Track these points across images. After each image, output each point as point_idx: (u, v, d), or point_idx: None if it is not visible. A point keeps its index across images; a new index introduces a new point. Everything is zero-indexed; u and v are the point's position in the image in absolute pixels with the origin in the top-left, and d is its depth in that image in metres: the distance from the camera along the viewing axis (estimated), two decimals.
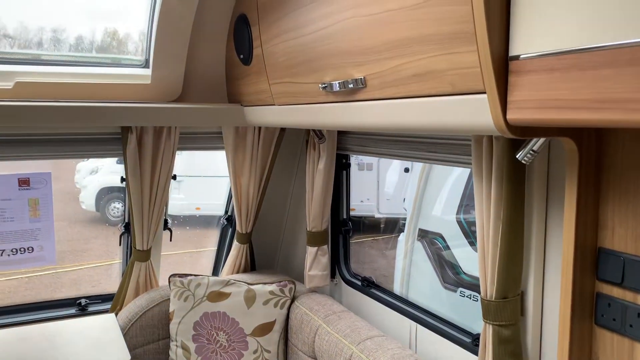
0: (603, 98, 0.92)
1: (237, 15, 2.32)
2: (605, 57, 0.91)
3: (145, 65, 2.43)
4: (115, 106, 2.20)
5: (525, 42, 1.07)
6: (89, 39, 2.57)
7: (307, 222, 2.59)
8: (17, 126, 2.15)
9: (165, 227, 2.72)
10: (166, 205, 2.64)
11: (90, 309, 2.66)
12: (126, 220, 2.65)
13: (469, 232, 3.26)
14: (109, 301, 2.64)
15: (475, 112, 1.18)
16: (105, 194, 7.48)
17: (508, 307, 1.56)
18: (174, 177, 2.60)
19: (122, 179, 2.52)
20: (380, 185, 6.51)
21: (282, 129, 2.71)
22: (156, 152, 2.44)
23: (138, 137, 2.38)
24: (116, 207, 7.45)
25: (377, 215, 6.53)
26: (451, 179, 3.52)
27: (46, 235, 2.55)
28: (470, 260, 3.15)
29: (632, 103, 0.87)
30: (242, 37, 2.29)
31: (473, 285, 3.02)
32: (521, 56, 1.08)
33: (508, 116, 1.12)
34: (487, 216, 1.58)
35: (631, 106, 0.87)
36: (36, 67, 2.24)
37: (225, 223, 2.99)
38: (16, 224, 2.48)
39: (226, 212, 3.01)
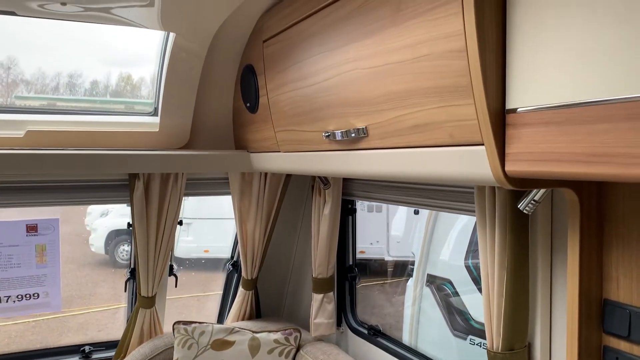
0: (598, 152, 0.92)
1: (245, 65, 2.38)
2: (600, 112, 0.92)
3: (154, 113, 2.49)
4: (123, 154, 2.24)
5: (522, 96, 1.09)
6: (103, 84, 2.65)
7: (312, 268, 2.57)
8: (27, 174, 2.19)
9: (171, 273, 2.71)
10: (172, 251, 2.64)
11: (94, 356, 2.63)
12: (132, 266, 2.65)
13: (477, 278, 3.21)
14: (113, 348, 2.61)
15: (474, 164, 1.19)
16: (115, 237, 7.49)
17: (515, 359, 1.53)
18: (180, 223, 2.61)
19: (129, 225, 2.54)
20: (390, 228, 6.47)
21: (288, 175, 2.73)
22: (163, 199, 2.46)
23: (145, 183, 2.41)
24: (125, 250, 7.45)
25: (387, 258, 6.47)
26: (459, 224, 3.50)
27: (52, 282, 2.55)
28: (479, 307, 3.09)
29: (626, 158, 0.87)
30: (249, 86, 2.34)
31: (483, 332, 2.96)
32: (518, 109, 1.10)
33: (506, 168, 1.13)
34: (491, 265, 1.57)
35: (626, 161, 0.87)
36: (47, 116, 2.29)
37: (231, 269, 2.98)
38: (23, 270, 2.49)
39: (232, 257, 3.00)
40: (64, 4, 1.82)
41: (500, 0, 1.11)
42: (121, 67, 2.64)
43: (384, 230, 6.50)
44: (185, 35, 2.12)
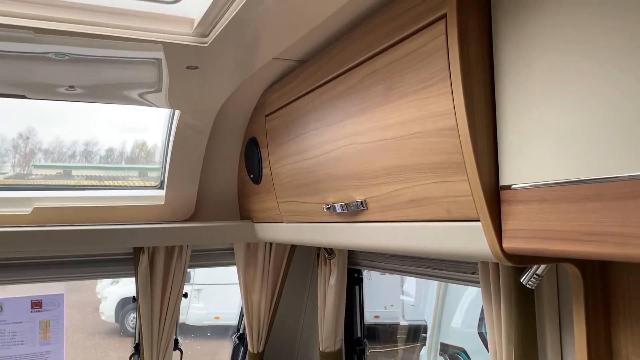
0: (592, 231, 0.91)
1: (248, 138, 2.43)
2: (590, 190, 0.91)
3: (160, 186, 2.52)
4: (128, 228, 2.26)
5: (515, 173, 1.09)
6: (119, 151, 2.70)
7: (319, 341, 2.51)
8: (34, 250, 2.20)
9: (176, 347, 2.65)
10: (177, 325, 2.60)
11: None
12: (136, 341, 2.60)
13: None
14: None
15: (472, 240, 1.17)
16: (125, 305, 7.42)
17: None
18: (185, 295, 2.58)
19: (134, 299, 2.51)
20: (404, 291, 6.33)
21: (293, 245, 2.72)
22: (167, 271, 2.45)
23: (150, 256, 2.41)
24: (135, 318, 7.35)
25: (402, 323, 6.30)
26: (472, 289, 3.43)
27: (56, 358, 2.51)
28: None
29: (620, 237, 0.86)
30: (253, 158, 2.38)
31: None
32: (512, 186, 1.09)
33: (504, 245, 1.11)
34: (499, 341, 1.51)
35: (620, 240, 0.86)
36: (53, 193, 2.33)
37: (237, 342, 2.91)
38: (26, 348, 2.46)
39: (238, 329, 2.94)
40: (72, 87, 1.89)
41: (489, 80, 1.14)
42: (136, 134, 2.68)
43: (398, 293, 6.37)
44: (191, 113, 2.18)
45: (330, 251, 2.45)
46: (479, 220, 1.15)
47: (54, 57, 1.62)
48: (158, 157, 2.63)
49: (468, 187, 1.15)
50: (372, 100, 1.46)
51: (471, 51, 1.12)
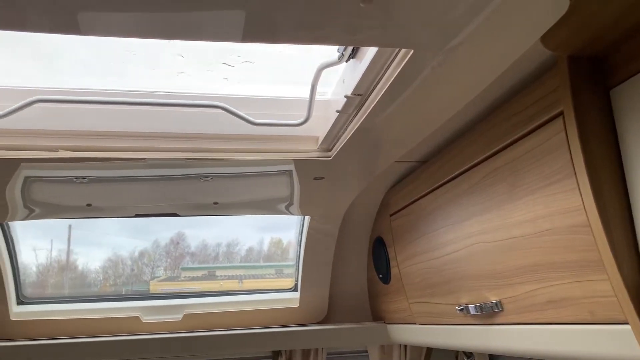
0: None
1: (375, 237, 2.48)
2: None
3: (294, 289, 2.63)
4: (267, 332, 2.36)
5: None
6: (257, 250, 2.88)
7: None
8: (184, 355, 2.37)
9: None
10: None
11: None
12: None
13: None
14: None
15: (622, 344, 1.08)
16: None
17: None
18: None
19: None
20: None
21: (429, 347, 2.62)
22: None
23: (287, 358, 2.47)
24: None
25: None
26: None
27: None
28: None
29: None
30: (380, 258, 2.41)
31: None
32: None
33: None
34: None
35: None
36: (200, 299, 2.53)
37: None
38: None
39: None
40: (216, 203, 2.11)
41: (619, 173, 1.09)
42: (272, 233, 2.86)
43: None
44: (319, 218, 2.30)
45: (469, 354, 2.33)
46: (627, 323, 1.05)
47: (201, 179, 1.85)
48: (292, 253, 2.77)
49: (610, 286, 1.08)
50: (496, 197, 1.45)
51: (594, 146, 1.09)
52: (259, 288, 2.72)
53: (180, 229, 2.76)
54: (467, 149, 1.62)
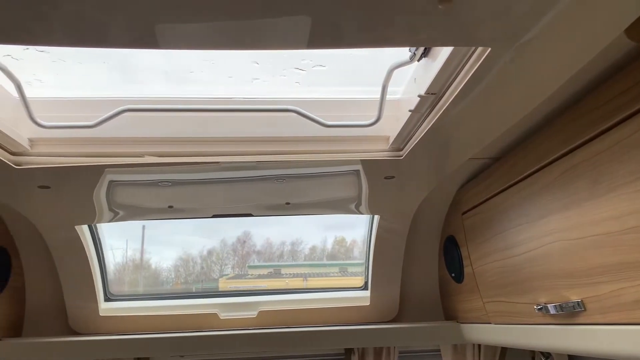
0: None
1: (446, 236, 2.46)
2: None
3: (364, 287, 2.64)
4: (339, 329, 2.39)
5: None
6: (320, 248, 2.92)
7: None
8: (258, 351, 2.45)
9: None
10: None
11: None
12: None
13: None
14: None
15: None
16: None
17: None
18: None
19: None
20: None
21: (504, 347, 2.56)
22: None
23: (360, 357, 2.49)
24: None
25: None
26: None
27: None
28: None
29: None
30: (452, 257, 2.38)
31: None
32: None
33: None
34: None
35: None
36: (275, 297, 2.60)
37: None
38: None
39: None
40: (288, 204, 2.17)
41: None
42: (335, 232, 2.89)
43: None
44: (389, 217, 2.31)
45: (547, 355, 2.26)
46: None
47: (275, 181, 1.91)
48: (356, 252, 2.79)
49: None
50: (575, 195, 1.40)
51: None
52: (323, 286, 2.76)
53: (246, 228, 2.84)
54: (543, 145, 1.58)
